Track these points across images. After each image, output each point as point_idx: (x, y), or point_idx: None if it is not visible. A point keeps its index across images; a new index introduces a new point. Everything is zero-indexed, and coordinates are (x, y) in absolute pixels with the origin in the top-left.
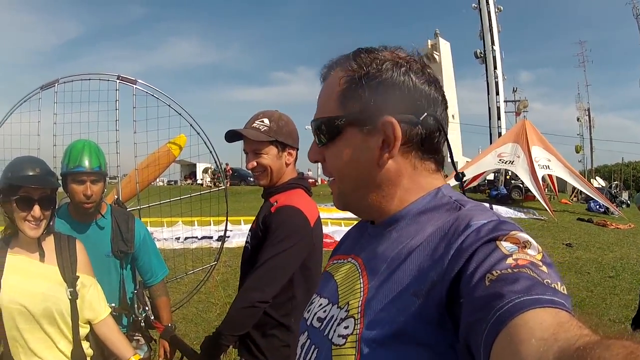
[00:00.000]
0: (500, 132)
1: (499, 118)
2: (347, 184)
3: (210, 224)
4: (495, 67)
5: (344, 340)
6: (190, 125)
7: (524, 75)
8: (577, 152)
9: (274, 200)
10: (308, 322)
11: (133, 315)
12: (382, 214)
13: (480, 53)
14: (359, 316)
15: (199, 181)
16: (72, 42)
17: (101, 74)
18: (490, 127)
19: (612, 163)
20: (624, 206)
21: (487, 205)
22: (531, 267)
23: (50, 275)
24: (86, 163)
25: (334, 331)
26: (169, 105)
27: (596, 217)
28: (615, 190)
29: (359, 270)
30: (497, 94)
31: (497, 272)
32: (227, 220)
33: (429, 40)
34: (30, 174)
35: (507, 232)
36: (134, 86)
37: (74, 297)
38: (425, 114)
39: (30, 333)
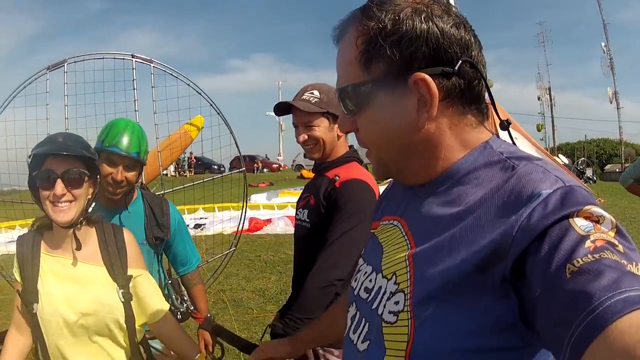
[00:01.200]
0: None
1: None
2: (385, 152)
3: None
4: None
5: (395, 317)
6: (211, 104)
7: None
8: (539, 130)
9: (334, 174)
10: (355, 292)
11: (172, 307)
12: (428, 177)
13: None
14: (409, 290)
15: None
16: (30, 38)
17: (114, 52)
18: None
19: (574, 141)
20: (590, 182)
21: (541, 158)
22: (610, 249)
23: (98, 277)
24: (124, 144)
25: (384, 306)
26: (189, 85)
27: None
28: (581, 167)
29: (405, 237)
30: None
31: (578, 262)
32: (245, 205)
33: None
34: (52, 144)
35: (579, 208)
36: (151, 65)
37: (127, 299)
38: (460, 61)
39: (74, 348)
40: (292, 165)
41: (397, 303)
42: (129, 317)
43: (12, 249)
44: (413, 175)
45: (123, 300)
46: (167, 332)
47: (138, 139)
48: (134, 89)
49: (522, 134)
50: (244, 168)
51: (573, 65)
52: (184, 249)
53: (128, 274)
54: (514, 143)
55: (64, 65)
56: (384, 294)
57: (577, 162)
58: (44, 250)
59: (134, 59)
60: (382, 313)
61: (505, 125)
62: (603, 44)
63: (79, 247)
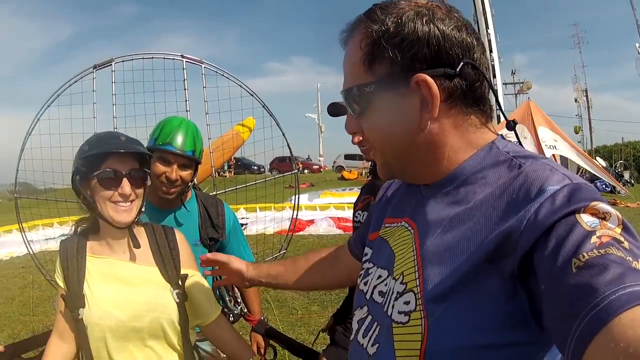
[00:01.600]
0: (499, 115)
1: (497, 101)
2: (389, 153)
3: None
4: (490, 51)
5: (407, 317)
6: (263, 106)
7: (518, 58)
8: (576, 132)
9: None
10: (367, 296)
11: (225, 309)
12: (432, 177)
13: None
14: (419, 289)
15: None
16: (62, 44)
17: (163, 53)
18: None
19: (611, 143)
20: (628, 185)
21: (547, 157)
22: (615, 245)
23: (151, 278)
24: (179, 142)
25: (392, 307)
26: (241, 86)
27: (605, 196)
28: (620, 170)
29: (413, 237)
30: (494, 77)
31: (583, 257)
32: (297, 206)
33: None
34: (115, 142)
35: (586, 204)
36: (202, 65)
37: (182, 300)
38: (462, 63)
39: (124, 352)
40: (333, 167)
41: (407, 303)
42: (184, 318)
43: (50, 246)
44: (417, 175)
45: (177, 300)
46: (220, 334)
47: (193, 137)
48: (184, 89)
49: (561, 136)
50: (296, 170)
51: (608, 66)
52: (238, 250)
53: (182, 273)
54: (520, 144)
55: (111, 64)
56: (391, 295)
57: (615, 165)
58: (90, 253)
59: (184, 59)
60: (391, 314)
61: (512, 125)
62: (637, 44)
63: (137, 245)
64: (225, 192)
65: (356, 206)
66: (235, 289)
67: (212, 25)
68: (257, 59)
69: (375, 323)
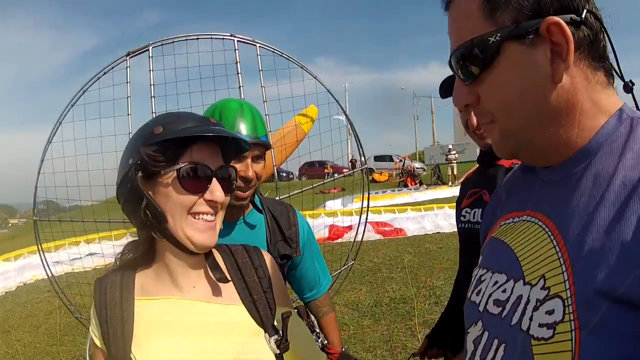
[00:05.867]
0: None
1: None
2: (517, 119)
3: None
4: None
5: (551, 331)
6: (328, 90)
7: None
8: None
9: (511, 162)
10: (480, 307)
11: None
12: (562, 151)
13: None
14: (568, 294)
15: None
16: (88, 53)
17: (209, 34)
18: None
19: None
20: None
21: None
22: None
23: (237, 321)
24: (248, 128)
25: (530, 319)
26: (302, 67)
27: None
28: None
29: (549, 231)
30: None
31: None
32: (367, 210)
33: None
34: (203, 124)
35: None
36: (256, 45)
37: (283, 349)
38: (585, 10)
39: None
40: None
41: (550, 312)
42: None
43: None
44: (545, 149)
45: (278, 351)
46: None
47: (261, 120)
48: (237, 73)
49: None
50: (366, 166)
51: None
52: (313, 269)
53: (278, 312)
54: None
55: (148, 50)
56: (526, 303)
57: None
58: (140, 295)
59: (235, 38)
60: (528, 328)
61: (630, 87)
62: None
63: (222, 278)
64: (289, 196)
65: (460, 204)
66: (311, 315)
67: (234, 28)
68: (281, 61)
69: (496, 340)
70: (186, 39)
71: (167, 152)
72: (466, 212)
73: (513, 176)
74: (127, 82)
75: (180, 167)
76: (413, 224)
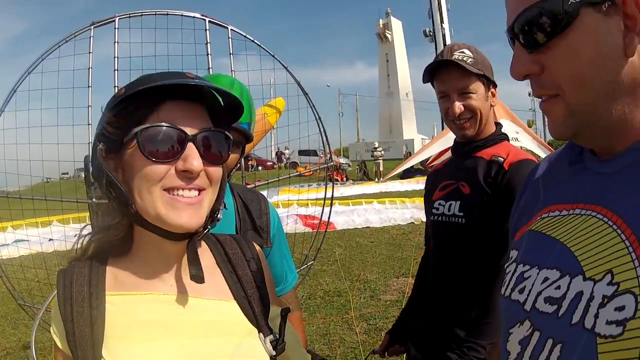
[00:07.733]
0: None
1: None
2: (585, 92)
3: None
4: (444, 45)
5: (621, 328)
6: (297, 83)
7: None
8: (530, 126)
9: (491, 155)
10: (527, 306)
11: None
12: (624, 134)
13: (430, 31)
14: None
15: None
16: (16, 38)
17: (180, 11)
18: None
19: None
20: None
21: None
22: None
23: (230, 320)
24: None
25: (595, 316)
26: (274, 56)
27: None
28: None
29: (613, 224)
30: None
31: None
32: (331, 202)
33: (381, 20)
34: (178, 79)
35: None
36: (228, 28)
37: (280, 350)
38: None
39: None
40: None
41: (620, 309)
42: None
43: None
44: (610, 129)
45: (274, 352)
46: None
47: (249, 105)
48: (207, 54)
49: (523, 128)
50: (332, 162)
51: None
52: (280, 262)
53: (273, 310)
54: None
55: (114, 21)
56: (589, 300)
57: None
58: (112, 290)
59: (206, 19)
60: (593, 326)
61: None
62: None
63: (198, 271)
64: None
65: (430, 195)
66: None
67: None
68: None
69: (550, 341)
70: (155, 14)
71: (129, 116)
72: (439, 204)
73: (550, 169)
74: (89, 53)
75: (139, 131)
76: (342, 217)
